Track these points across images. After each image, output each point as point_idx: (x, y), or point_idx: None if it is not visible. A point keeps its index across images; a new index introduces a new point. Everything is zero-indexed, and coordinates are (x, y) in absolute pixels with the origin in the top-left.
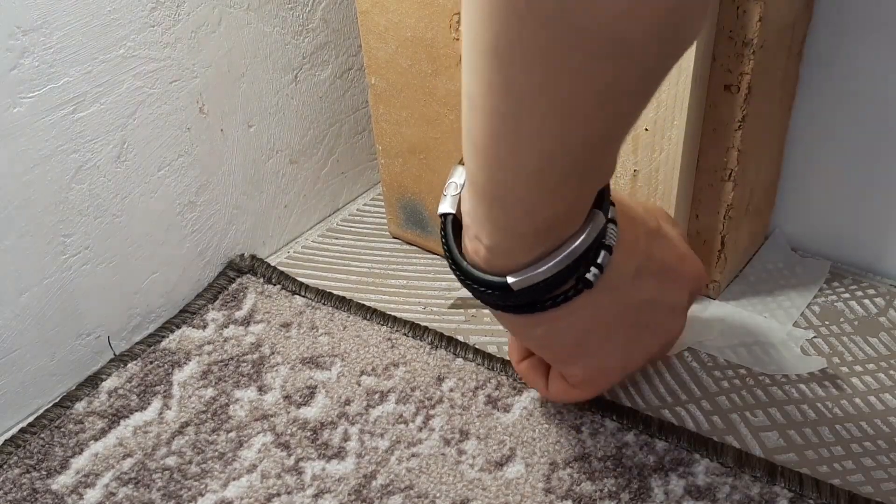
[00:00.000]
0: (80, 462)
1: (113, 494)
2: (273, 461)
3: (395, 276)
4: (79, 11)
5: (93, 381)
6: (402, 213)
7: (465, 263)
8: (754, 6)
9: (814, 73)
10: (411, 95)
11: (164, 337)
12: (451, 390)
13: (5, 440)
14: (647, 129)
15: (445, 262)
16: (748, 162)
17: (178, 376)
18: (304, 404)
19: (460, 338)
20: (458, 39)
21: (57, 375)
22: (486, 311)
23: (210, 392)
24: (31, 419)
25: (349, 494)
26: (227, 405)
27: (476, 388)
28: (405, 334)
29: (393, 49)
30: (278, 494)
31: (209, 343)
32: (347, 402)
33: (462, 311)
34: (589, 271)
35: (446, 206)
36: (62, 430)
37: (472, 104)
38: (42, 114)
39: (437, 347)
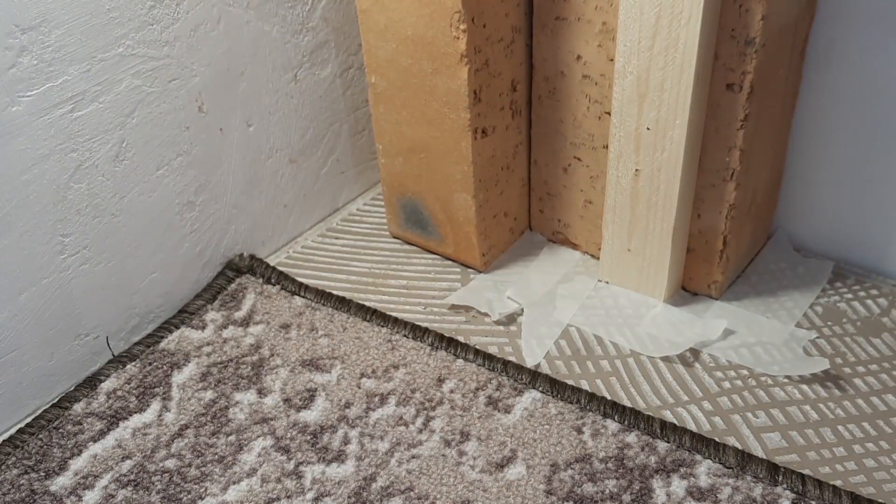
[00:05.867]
0: (78, 463)
1: (112, 496)
2: (273, 465)
3: (395, 276)
4: (77, 10)
5: (91, 382)
6: (403, 213)
7: None
8: (757, 4)
9: (817, 72)
10: (411, 94)
11: (162, 337)
12: (452, 391)
13: (3, 441)
14: (648, 129)
15: (445, 263)
16: (750, 161)
17: (178, 378)
18: (304, 407)
19: (461, 338)
20: (458, 38)
21: (55, 376)
22: (486, 311)
23: (209, 394)
24: (29, 420)
25: (349, 497)
26: (227, 408)
27: (477, 389)
28: (405, 335)
29: (393, 48)
30: (278, 499)
31: (208, 344)
32: (347, 405)
33: (462, 311)
34: None
35: None
36: (61, 431)
37: None
38: (40, 112)
39: (437, 348)
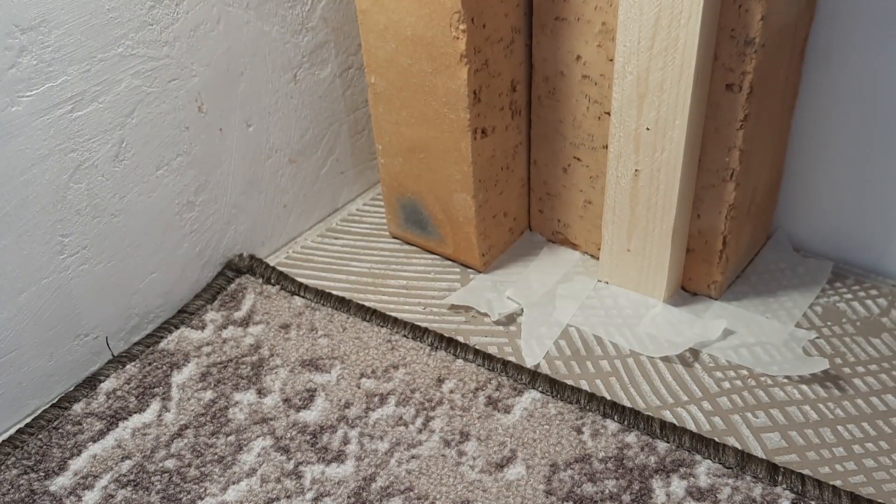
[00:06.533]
0: (78, 463)
1: (112, 497)
2: (273, 465)
3: (395, 276)
4: (77, 10)
5: (91, 382)
6: (402, 213)
7: None
8: (756, 5)
9: (817, 73)
10: (411, 94)
11: (162, 338)
12: (452, 392)
13: (3, 441)
14: (648, 129)
15: (445, 263)
16: (750, 161)
17: (177, 378)
18: (304, 407)
19: (460, 339)
20: (457, 38)
21: (55, 376)
22: (486, 311)
23: (209, 394)
24: (28, 420)
25: (349, 497)
26: (227, 408)
27: (476, 389)
28: (405, 336)
29: (393, 48)
30: (278, 499)
31: (208, 344)
32: (347, 405)
33: (462, 311)
34: None
35: None
36: (60, 431)
37: None
38: (40, 113)
39: (437, 349)
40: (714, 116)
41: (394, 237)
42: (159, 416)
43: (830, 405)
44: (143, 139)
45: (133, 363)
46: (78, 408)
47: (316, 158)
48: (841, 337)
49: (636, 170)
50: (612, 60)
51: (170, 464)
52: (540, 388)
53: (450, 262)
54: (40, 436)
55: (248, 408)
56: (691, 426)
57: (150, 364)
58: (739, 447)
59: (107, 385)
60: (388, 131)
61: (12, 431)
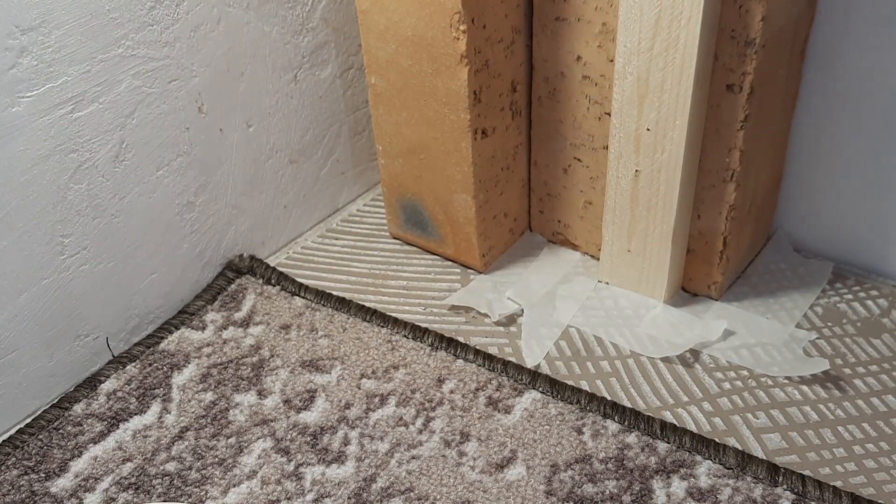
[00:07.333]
0: (79, 465)
1: (113, 499)
2: (273, 467)
3: (395, 276)
4: (77, 10)
5: (91, 383)
6: (402, 214)
7: None
8: (756, 5)
9: (817, 73)
10: (411, 95)
11: (162, 338)
12: (452, 392)
13: (3, 441)
14: (648, 130)
15: (445, 263)
16: (750, 162)
17: (178, 379)
18: (304, 409)
19: (461, 339)
20: (458, 39)
21: (55, 376)
22: (486, 312)
23: (210, 396)
24: (29, 420)
25: (349, 498)
26: (227, 410)
27: (477, 389)
28: (405, 336)
29: (393, 49)
30: (278, 500)
31: (208, 345)
32: (347, 406)
33: (462, 312)
34: None
35: None
36: (61, 431)
37: None
38: (40, 113)
39: (437, 349)
40: (714, 117)
41: (394, 238)
42: (160, 417)
43: (831, 406)
44: (144, 140)
45: (133, 364)
46: (78, 408)
47: (316, 159)
48: (841, 337)
49: (636, 170)
50: (612, 61)
51: (171, 466)
52: (540, 389)
53: (450, 263)
54: (41, 436)
55: (248, 409)
56: (692, 427)
57: (150, 365)
58: (740, 448)
59: (107, 386)
60: (389, 132)
61: (13, 432)
